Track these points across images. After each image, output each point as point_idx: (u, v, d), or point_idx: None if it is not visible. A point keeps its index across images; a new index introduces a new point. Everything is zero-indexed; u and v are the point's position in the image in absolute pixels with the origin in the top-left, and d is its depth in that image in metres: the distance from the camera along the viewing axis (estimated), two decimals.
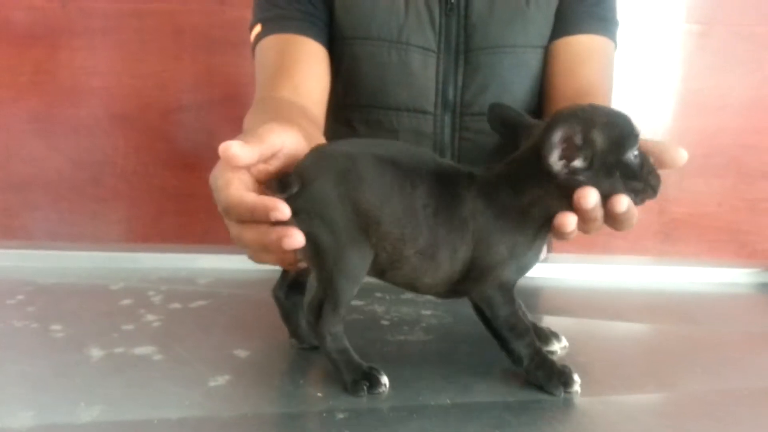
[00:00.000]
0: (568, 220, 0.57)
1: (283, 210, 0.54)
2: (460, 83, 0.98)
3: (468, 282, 0.58)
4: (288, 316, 0.65)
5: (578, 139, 0.55)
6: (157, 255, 0.91)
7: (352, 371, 0.57)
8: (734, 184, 1.62)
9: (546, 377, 0.58)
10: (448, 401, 0.56)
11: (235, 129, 1.65)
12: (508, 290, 0.59)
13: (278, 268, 0.64)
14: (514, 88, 0.98)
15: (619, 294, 0.86)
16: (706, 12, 1.55)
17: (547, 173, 0.56)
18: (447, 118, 0.98)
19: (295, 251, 0.57)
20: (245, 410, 0.53)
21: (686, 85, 1.59)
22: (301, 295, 0.65)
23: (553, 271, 0.91)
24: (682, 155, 0.61)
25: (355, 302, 0.78)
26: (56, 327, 0.69)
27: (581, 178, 0.56)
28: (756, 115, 1.59)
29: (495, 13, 0.97)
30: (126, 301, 0.77)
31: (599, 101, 0.92)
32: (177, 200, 1.59)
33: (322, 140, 0.74)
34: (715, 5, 1.55)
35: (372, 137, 0.99)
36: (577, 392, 0.57)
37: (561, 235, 0.59)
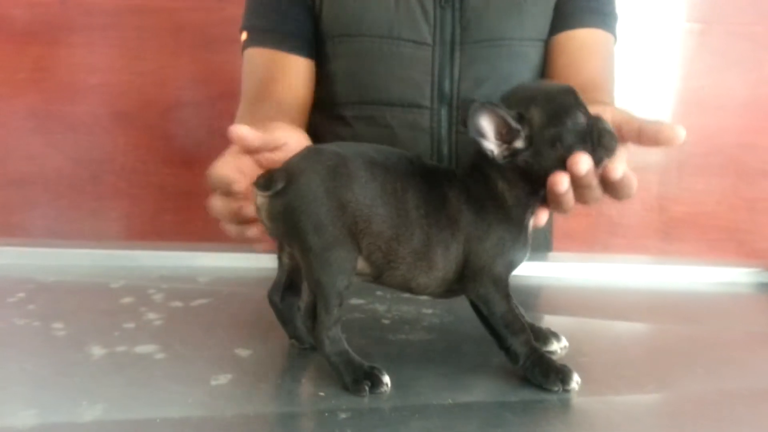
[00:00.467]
0: (560, 179, 0.57)
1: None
2: (456, 76, 0.98)
3: (463, 280, 0.59)
4: (285, 319, 0.65)
5: (512, 122, 0.56)
6: (157, 253, 0.91)
7: (352, 372, 0.57)
8: (733, 183, 1.62)
9: (543, 374, 0.58)
10: (450, 400, 0.56)
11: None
12: (503, 287, 0.59)
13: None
14: (511, 80, 0.98)
15: (618, 293, 0.86)
16: (706, 11, 1.55)
17: (493, 159, 0.57)
18: (444, 112, 0.98)
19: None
20: (247, 409, 0.53)
21: (686, 83, 1.59)
22: (297, 297, 0.65)
23: (553, 270, 0.91)
24: (679, 133, 0.62)
25: (356, 301, 0.78)
26: (57, 325, 0.69)
27: (524, 157, 0.57)
28: (755, 114, 1.59)
29: (491, 6, 0.97)
30: (127, 300, 0.77)
31: (603, 95, 0.94)
32: (176, 197, 1.59)
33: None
34: (714, 4, 1.55)
35: (368, 133, 0.99)
36: (575, 389, 0.57)
37: (556, 199, 0.59)
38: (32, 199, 1.59)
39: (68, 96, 1.55)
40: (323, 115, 1.04)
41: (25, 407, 0.52)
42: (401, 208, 0.57)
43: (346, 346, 0.58)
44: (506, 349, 0.59)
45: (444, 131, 0.98)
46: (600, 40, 1.02)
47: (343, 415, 0.53)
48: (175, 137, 1.57)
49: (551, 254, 1.10)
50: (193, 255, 0.91)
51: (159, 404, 0.54)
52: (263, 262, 0.87)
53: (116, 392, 0.55)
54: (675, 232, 1.63)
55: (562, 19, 1.01)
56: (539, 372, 0.58)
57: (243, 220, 0.67)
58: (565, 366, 0.58)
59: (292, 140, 0.65)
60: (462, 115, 0.66)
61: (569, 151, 0.57)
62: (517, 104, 0.58)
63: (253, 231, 0.67)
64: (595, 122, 0.60)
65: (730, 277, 0.92)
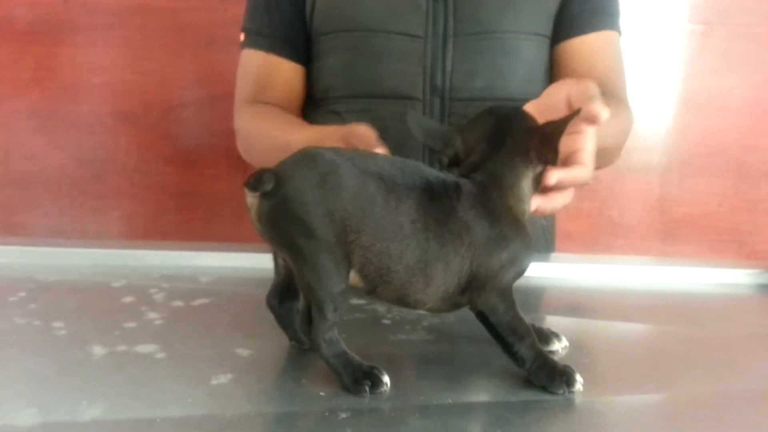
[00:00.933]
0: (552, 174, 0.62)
1: None
2: (448, 69, 0.98)
3: (469, 292, 0.58)
4: (284, 322, 0.65)
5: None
6: (158, 252, 0.91)
7: (352, 373, 0.57)
8: (735, 185, 1.62)
9: (548, 377, 0.58)
10: (450, 401, 0.56)
11: None
12: (508, 295, 0.59)
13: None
14: (505, 74, 0.99)
15: (619, 294, 0.86)
16: (708, 12, 1.55)
17: (534, 163, 0.61)
18: (436, 104, 0.99)
19: None
20: (247, 409, 0.53)
21: (687, 85, 1.59)
22: (296, 300, 0.64)
23: (554, 271, 0.91)
24: (600, 114, 0.64)
25: (357, 301, 0.78)
26: (58, 324, 0.69)
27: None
28: (757, 116, 1.59)
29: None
30: (128, 299, 0.77)
31: (617, 94, 0.99)
32: (178, 197, 1.59)
33: None
34: (717, 6, 1.55)
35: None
36: (580, 391, 0.57)
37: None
38: (34, 198, 1.59)
39: (71, 95, 1.56)
40: (317, 111, 1.06)
41: (25, 406, 0.52)
42: (394, 221, 0.55)
43: (344, 347, 0.58)
44: (512, 354, 0.59)
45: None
46: (609, 40, 1.04)
47: (343, 415, 0.53)
48: (178, 137, 1.57)
49: (553, 255, 1.10)
50: (194, 255, 0.91)
51: (159, 403, 0.54)
52: (265, 262, 0.86)
53: (117, 391, 0.55)
54: (676, 233, 1.63)
55: (570, 24, 1.03)
56: (545, 375, 0.58)
57: None
58: (568, 367, 0.58)
59: None
60: (413, 129, 0.67)
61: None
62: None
63: None
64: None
65: (731, 278, 0.92)
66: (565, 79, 0.74)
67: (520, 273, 0.60)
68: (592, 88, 0.66)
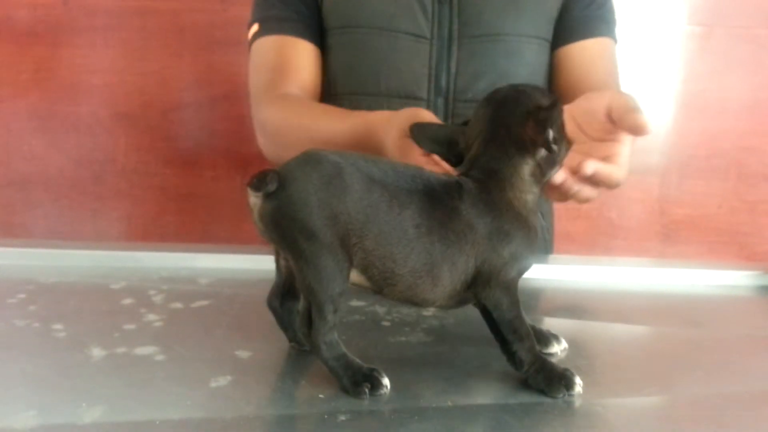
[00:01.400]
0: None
1: None
2: (453, 70, 0.99)
3: (475, 288, 0.58)
4: (285, 323, 0.65)
5: (550, 127, 0.59)
6: (157, 254, 0.91)
7: (351, 375, 0.57)
8: (735, 186, 1.62)
9: (546, 380, 0.58)
10: (450, 403, 0.56)
11: (236, 127, 1.65)
12: (513, 291, 0.59)
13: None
14: (508, 76, 1.00)
15: (619, 296, 0.86)
16: (708, 14, 1.55)
17: (527, 153, 0.60)
18: (440, 104, 1.00)
19: None
20: (247, 411, 0.53)
21: (687, 86, 1.59)
22: (296, 301, 0.64)
23: (554, 272, 0.91)
24: (643, 124, 0.65)
25: (356, 303, 0.78)
26: (58, 326, 0.69)
27: (555, 147, 0.60)
28: (757, 118, 1.59)
29: (490, 2, 0.99)
30: (127, 301, 0.77)
31: None
32: (177, 198, 1.59)
33: None
34: (716, 7, 1.55)
35: None
36: (579, 393, 0.57)
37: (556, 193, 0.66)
38: (33, 199, 1.59)
39: (70, 96, 1.56)
40: (341, 101, 1.05)
41: (24, 408, 0.52)
42: (398, 226, 0.55)
43: (344, 349, 0.58)
44: (511, 354, 0.59)
45: None
46: (606, 47, 1.06)
47: (342, 417, 0.53)
48: (177, 138, 1.57)
49: (552, 256, 1.10)
50: (193, 256, 0.91)
51: (159, 406, 0.54)
52: (264, 264, 0.86)
53: (116, 393, 0.55)
54: (675, 234, 1.63)
55: (569, 30, 1.04)
56: (542, 379, 0.58)
57: None
58: (567, 370, 0.58)
59: None
60: (415, 139, 0.67)
61: (558, 154, 0.62)
62: (544, 98, 0.60)
63: None
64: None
65: (730, 279, 0.92)
66: (603, 90, 0.75)
67: (525, 268, 0.60)
68: (634, 100, 0.68)
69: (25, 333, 0.68)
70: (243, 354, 0.64)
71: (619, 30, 1.08)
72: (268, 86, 1.01)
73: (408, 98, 0.99)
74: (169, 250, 0.92)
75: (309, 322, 0.57)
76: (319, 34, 1.04)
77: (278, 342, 0.66)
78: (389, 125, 0.76)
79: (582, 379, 0.58)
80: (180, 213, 1.59)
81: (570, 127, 0.66)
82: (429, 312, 0.76)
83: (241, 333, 0.69)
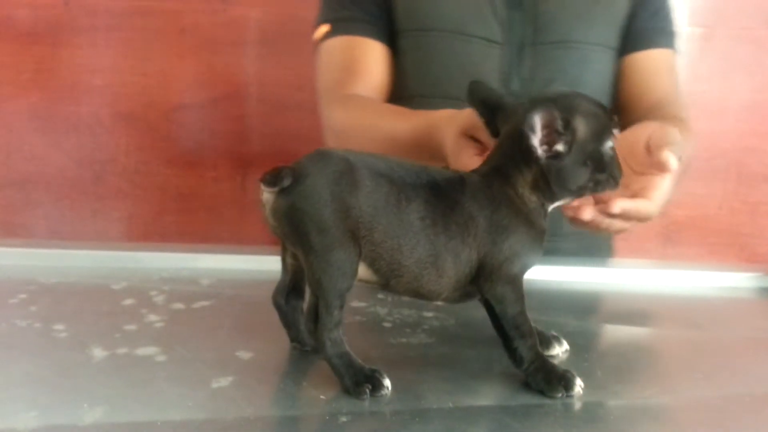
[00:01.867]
0: (585, 210, 0.65)
1: None
2: (526, 75, 1.00)
3: (478, 281, 0.59)
4: (288, 321, 0.65)
5: (559, 125, 0.58)
6: (159, 254, 0.91)
7: (353, 375, 0.57)
8: (735, 187, 1.62)
9: (545, 380, 0.58)
10: (451, 404, 0.56)
11: (237, 127, 1.65)
12: (518, 286, 0.59)
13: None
14: (578, 84, 1.00)
15: (619, 297, 0.86)
16: (709, 15, 1.55)
17: (529, 157, 0.59)
18: None
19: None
20: (248, 412, 0.53)
21: (688, 87, 1.58)
22: (301, 299, 0.65)
23: (554, 273, 0.91)
24: (669, 163, 0.66)
25: (357, 304, 0.78)
26: (59, 327, 0.69)
27: (562, 163, 0.59)
28: (757, 119, 1.59)
29: (563, 8, 1.00)
30: (128, 301, 0.77)
31: (676, 111, 0.99)
32: (178, 199, 1.59)
33: None
34: (718, 9, 1.55)
35: None
36: (579, 394, 0.57)
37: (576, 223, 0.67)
38: (34, 199, 1.59)
39: (71, 97, 1.56)
40: (412, 102, 1.05)
41: (26, 409, 0.52)
42: (404, 219, 0.57)
43: (348, 348, 0.58)
44: (512, 351, 0.59)
45: None
46: (669, 58, 1.07)
47: (343, 419, 0.53)
48: (178, 138, 1.57)
49: (551, 257, 1.09)
50: (194, 257, 0.91)
51: (160, 407, 0.54)
52: (265, 265, 0.87)
53: (117, 394, 0.55)
54: (676, 236, 1.63)
55: (634, 40, 1.05)
56: (542, 378, 0.58)
57: None
58: (568, 371, 0.58)
59: None
60: (468, 95, 0.66)
61: (594, 173, 0.60)
62: (562, 109, 0.58)
63: None
64: (614, 151, 0.62)
65: (731, 281, 0.92)
66: (650, 122, 0.76)
67: (528, 265, 0.60)
68: (674, 134, 0.69)
69: (26, 333, 0.68)
70: (244, 355, 0.64)
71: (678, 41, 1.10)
72: (336, 86, 1.04)
73: None
74: (170, 251, 0.92)
75: (315, 317, 0.58)
76: (389, 36, 1.05)
77: (280, 343, 0.66)
78: (450, 123, 0.77)
79: (583, 381, 0.58)
80: (181, 213, 1.59)
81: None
82: (430, 313, 0.76)
83: (243, 334, 0.69)
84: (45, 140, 1.57)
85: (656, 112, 0.97)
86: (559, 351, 0.67)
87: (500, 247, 0.58)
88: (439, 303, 0.65)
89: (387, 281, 0.59)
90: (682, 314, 0.81)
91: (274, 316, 0.65)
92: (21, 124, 1.56)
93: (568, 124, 0.58)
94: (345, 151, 0.59)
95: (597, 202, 0.68)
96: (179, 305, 0.76)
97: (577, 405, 0.57)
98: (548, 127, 0.58)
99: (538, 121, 0.57)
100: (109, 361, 0.62)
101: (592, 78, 1.03)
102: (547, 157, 0.58)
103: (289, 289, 0.64)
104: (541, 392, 0.58)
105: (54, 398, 0.54)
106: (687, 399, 0.59)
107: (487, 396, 0.58)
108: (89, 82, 1.55)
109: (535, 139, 0.58)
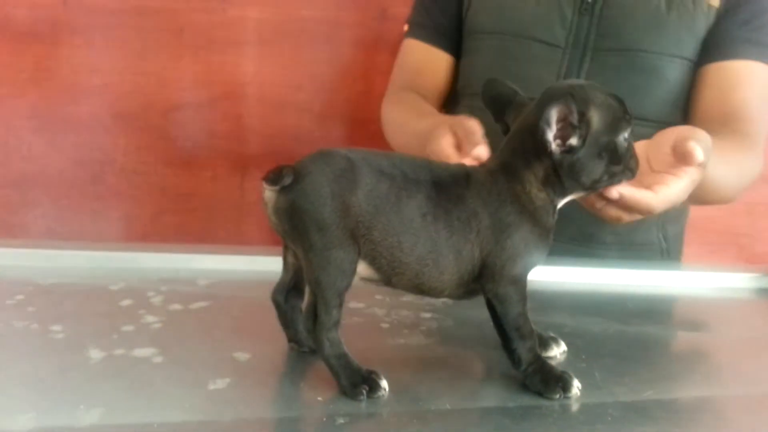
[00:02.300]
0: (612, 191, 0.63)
1: None
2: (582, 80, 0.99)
3: (481, 280, 0.59)
4: (287, 320, 0.65)
5: (574, 118, 0.57)
6: (157, 255, 0.91)
7: (350, 376, 0.57)
8: None
9: (543, 382, 0.58)
10: (448, 406, 0.56)
11: (236, 127, 1.65)
12: (521, 287, 0.59)
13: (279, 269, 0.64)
14: (641, 93, 0.99)
15: (618, 298, 0.86)
16: None
17: (541, 151, 0.58)
18: None
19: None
20: (245, 414, 0.53)
21: None
22: (301, 299, 0.65)
23: (552, 274, 0.91)
24: (696, 154, 0.65)
25: (355, 305, 0.78)
26: (56, 328, 0.69)
27: (575, 156, 0.58)
28: None
29: (631, 16, 0.98)
30: (126, 302, 0.77)
31: (748, 126, 0.95)
32: (177, 199, 1.59)
33: None
34: None
35: (496, 127, 1.03)
36: (576, 395, 0.57)
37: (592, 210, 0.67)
38: (33, 199, 1.58)
39: (70, 96, 1.55)
40: (457, 105, 1.14)
41: (22, 410, 0.52)
42: (405, 216, 0.57)
43: (346, 349, 0.58)
44: (511, 351, 0.59)
45: None
46: (755, 72, 0.99)
47: (340, 420, 0.53)
48: (177, 138, 1.57)
49: (550, 258, 1.09)
50: (193, 257, 0.91)
51: (157, 408, 0.54)
52: (263, 265, 0.87)
53: (114, 396, 0.55)
54: None
55: (716, 49, 1.00)
56: (539, 380, 0.58)
57: None
58: (565, 373, 0.58)
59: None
60: (483, 91, 0.66)
61: (609, 165, 0.59)
62: (577, 102, 0.57)
63: None
64: (630, 143, 0.61)
65: (730, 282, 0.92)
66: (681, 126, 0.74)
67: (531, 264, 0.60)
68: (702, 135, 0.67)
69: (23, 334, 0.67)
70: (242, 356, 0.64)
71: None
72: (401, 85, 1.16)
73: None
74: (169, 251, 0.92)
75: (314, 316, 0.58)
76: (455, 43, 1.13)
77: (277, 344, 0.66)
78: (442, 127, 0.79)
79: (580, 382, 0.58)
80: (179, 213, 1.59)
81: (641, 160, 0.64)
82: (428, 314, 0.76)
83: (240, 335, 0.69)
84: (43, 140, 1.57)
85: (723, 126, 0.93)
86: (557, 352, 0.67)
87: (503, 245, 0.58)
88: (445, 299, 0.65)
89: (389, 279, 0.59)
90: (680, 315, 0.81)
91: (272, 318, 0.65)
92: (19, 124, 1.56)
93: (582, 117, 0.57)
94: (347, 150, 0.59)
95: None
96: (177, 306, 0.76)
97: (575, 406, 0.57)
98: (563, 120, 0.57)
99: (554, 114, 0.56)
100: (107, 363, 0.61)
101: (658, 88, 1.00)
102: (561, 152, 0.58)
103: (289, 288, 0.64)
104: (539, 394, 0.58)
105: (51, 399, 0.54)
106: (685, 400, 0.59)
107: (485, 397, 0.58)
108: (88, 81, 1.54)
109: (550, 134, 0.57)
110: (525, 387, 0.59)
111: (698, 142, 0.66)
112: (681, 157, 0.66)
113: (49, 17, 1.52)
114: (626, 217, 0.68)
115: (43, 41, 1.53)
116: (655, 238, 1.08)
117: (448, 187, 0.59)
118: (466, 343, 0.69)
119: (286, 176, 0.56)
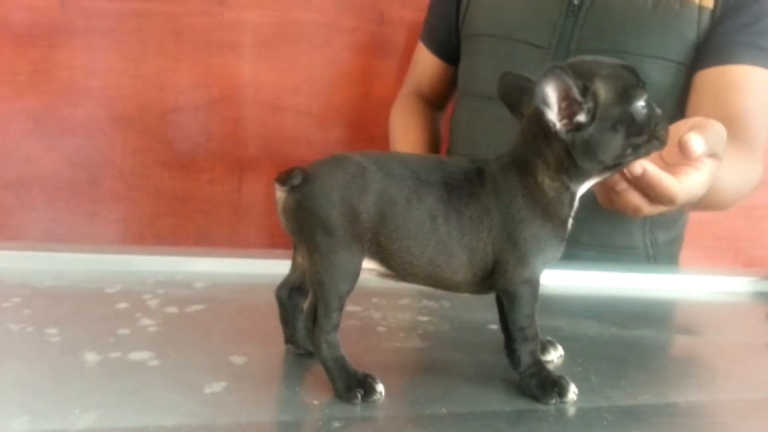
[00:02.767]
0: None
1: None
2: None
3: (495, 276, 0.58)
4: (287, 317, 0.65)
5: (576, 93, 0.54)
6: (153, 258, 0.91)
7: (346, 380, 0.57)
8: None
9: (539, 386, 0.58)
10: (444, 410, 0.56)
11: (233, 130, 1.65)
12: (533, 286, 0.59)
13: (280, 272, 0.64)
14: None
15: (614, 302, 0.86)
16: None
17: (549, 135, 0.56)
18: None
19: None
20: (241, 418, 0.53)
21: None
22: (304, 298, 0.65)
23: (549, 277, 0.90)
24: (695, 146, 0.63)
25: (352, 308, 0.77)
26: (52, 331, 0.68)
27: (587, 133, 0.55)
28: None
29: (615, 18, 0.98)
30: (122, 305, 0.76)
31: (748, 133, 0.93)
32: (174, 201, 1.59)
33: None
34: None
35: (489, 125, 1.06)
36: (573, 400, 0.57)
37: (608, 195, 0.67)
38: (29, 201, 1.58)
39: (67, 99, 1.55)
40: (461, 105, 1.16)
41: (18, 414, 0.52)
42: (414, 221, 0.57)
43: (343, 352, 0.58)
44: (511, 351, 0.59)
45: None
46: (754, 78, 0.96)
47: (336, 424, 0.53)
48: (174, 141, 1.57)
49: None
50: (189, 260, 0.91)
51: (152, 412, 0.53)
52: (260, 268, 0.87)
53: (110, 399, 0.55)
54: None
55: (714, 52, 0.97)
56: (536, 384, 0.58)
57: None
58: (562, 378, 0.58)
59: None
60: (498, 86, 0.63)
61: (628, 137, 0.56)
62: (579, 75, 0.55)
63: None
64: (652, 109, 0.57)
65: (726, 286, 0.92)
66: (693, 117, 0.72)
67: (546, 260, 0.59)
68: (712, 125, 0.66)
69: (19, 337, 0.67)
70: (238, 360, 0.64)
71: None
72: (406, 86, 1.27)
73: None
74: (165, 254, 0.92)
75: (314, 317, 0.58)
76: (450, 47, 1.19)
77: (274, 347, 0.66)
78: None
79: (577, 386, 0.58)
80: (176, 216, 1.59)
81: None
82: (424, 318, 0.76)
83: (237, 338, 0.68)
84: (40, 142, 1.56)
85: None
86: (555, 356, 0.67)
87: (514, 242, 0.57)
88: (444, 300, 0.65)
89: (404, 277, 0.60)
90: (677, 319, 0.81)
91: (269, 321, 0.65)
92: (16, 126, 1.56)
93: (586, 90, 0.54)
94: (361, 155, 0.59)
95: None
96: (173, 309, 0.76)
97: (571, 410, 0.57)
98: (566, 98, 0.54)
99: (550, 91, 0.53)
100: (102, 366, 0.61)
101: None
102: (568, 131, 0.55)
103: (294, 287, 0.64)
104: (535, 399, 0.58)
105: (46, 403, 0.54)
106: (681, 404, 0.59)
107: (481, 401, 0.58)
108: (85, 84, 1.54)
109: (551, 113, 0.54)
110: (521, 391, 0.59)
111: (704, 132, 0.64)
112: (681, 147, 0.64)
113: (46, 20, 1.52)
114: (647, 208, 0.65)
115: (40, 43, 1.53)
116: (640, 243, 1.06)
117: (460, 186, 0.58)
118: (463, 346, 0.69)
119: (295, 177, 0.57)
